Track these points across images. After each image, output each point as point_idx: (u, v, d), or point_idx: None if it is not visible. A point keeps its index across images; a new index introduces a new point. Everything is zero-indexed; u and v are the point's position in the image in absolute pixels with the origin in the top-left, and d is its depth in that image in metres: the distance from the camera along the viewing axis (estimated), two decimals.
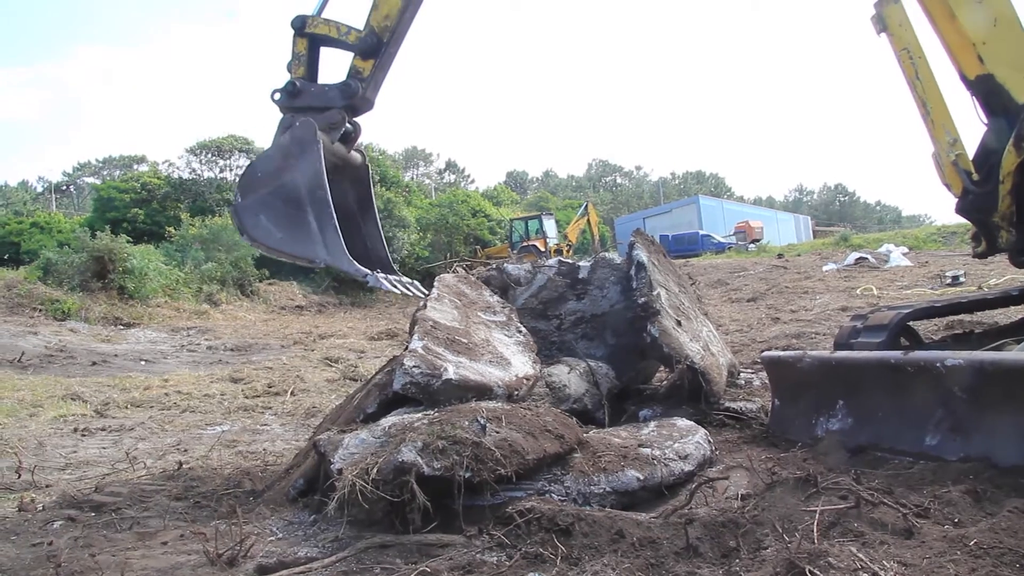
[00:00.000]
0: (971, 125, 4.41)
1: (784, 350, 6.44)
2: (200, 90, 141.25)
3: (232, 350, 14.54)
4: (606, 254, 6.29)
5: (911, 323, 4.70)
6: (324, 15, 4.79)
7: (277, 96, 4.71)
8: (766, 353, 5.08)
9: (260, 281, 24.46)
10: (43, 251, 21.15)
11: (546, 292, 5.94)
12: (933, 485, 3.12)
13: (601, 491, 3.43)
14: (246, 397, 8.81)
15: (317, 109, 4.67)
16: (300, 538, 3.29)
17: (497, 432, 3.30)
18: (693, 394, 4.98)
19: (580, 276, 5.95)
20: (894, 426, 3.75)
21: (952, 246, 26.21)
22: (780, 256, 28.57)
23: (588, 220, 37.30)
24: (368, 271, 4.58)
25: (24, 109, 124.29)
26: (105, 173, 57.28)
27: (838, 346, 4.63)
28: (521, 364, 4.51)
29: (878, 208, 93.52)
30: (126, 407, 8.30)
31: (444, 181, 73.07)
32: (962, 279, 14.55)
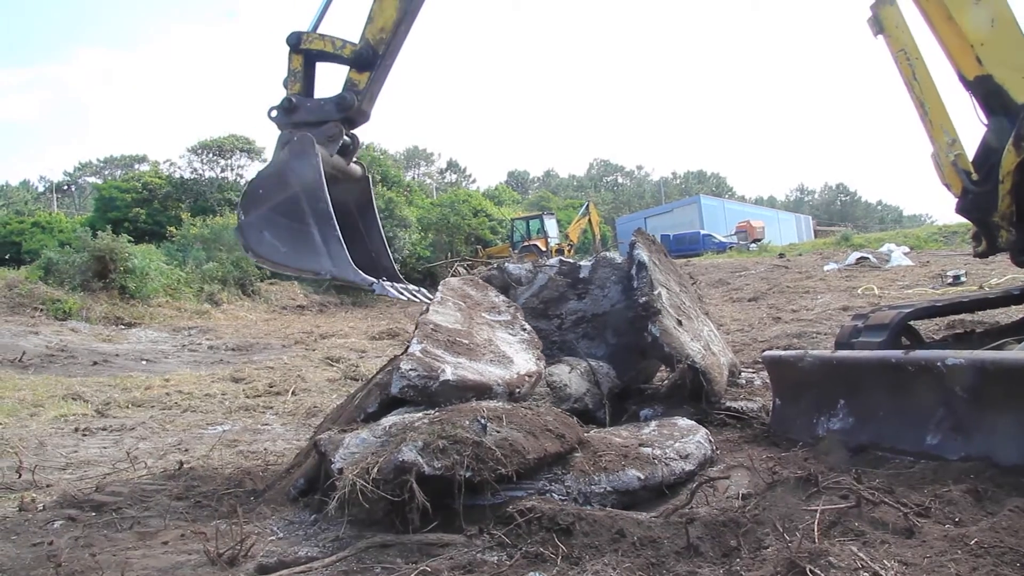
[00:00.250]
0: (970, 125, 4.41)
1: (785, 349, 6.43)
2: (201, 90, 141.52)
3: (233, 350, 14.55)
4: (607, 253, 6.28)
5: (912, 322, 4.70)
6: (319, 30, 4.82)
7: (274, 113, 4.77)
8: (767, 352, 5.08)
9: (261, 281, 24.47)
10: (44, 251, 21.17)
11: (547, 291, 5.94)
12: (934, 484, 3.12)
13: (602, 490, 3.43)
14: (247, 397, 8.82)
15: (314, 123, 4.71)
16: (301, 538, 3.30)
17: (498, 431, 3.30)
18: (694, 393, 4.97)
19: (581, 275, 5.95)
20: (895, 425, 3.75)
21: (953, 246, 26.19)
22: (781, 256, 28.55)
23: (589, 220, 37.33)
24: (374, 280, 4.61)
25: (25, 110, 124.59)
26: (106, 173, 57.38)
27: (839, 345, 4.63)
28: (524, 361, 4.52)
29: (879, 208, 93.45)
30: (127, 407, 8.31)
31: (445, 181, 73.12)
32: (963, 279, 14.54)
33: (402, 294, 4.79)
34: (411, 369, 3.89)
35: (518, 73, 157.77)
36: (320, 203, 4.45)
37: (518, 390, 4.15)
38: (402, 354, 4.30)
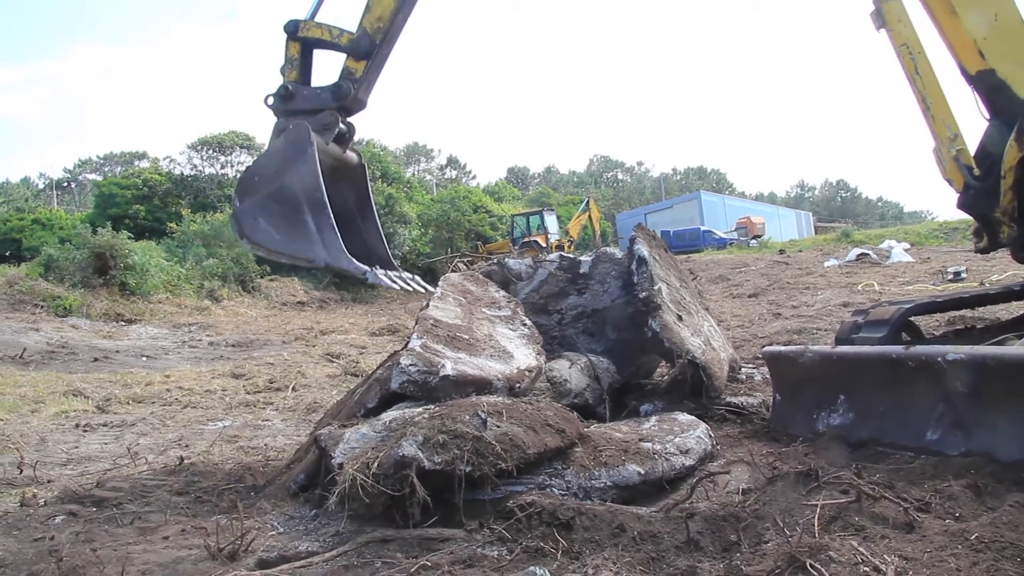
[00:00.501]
0: (972, 120, 4.40)
1: (785, 345, 6.43)
2: (201, 89, 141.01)
3: (233, 346, 14.55)
4: (607, 249, 6.28)
5: (912, 318, 4.71)
6: (317, 19, 4.82)
7: (271, 101, 4.77)
8: (767, 348, 5.07)
9: (261, 277, 24.45)
10: (44, 247, 21.10)
11: (547, 287, 5.94)
12: (934, 480, 3.12)
13: (602, 485, 3.43)
14: (247, 393, 8.83)
15: (310, 111, 4.70)
16: (301, 532, 3.30)
17: (498, 426, 3.31)
18: (694, 389, 4.98)
19: (581, 271, 5.95)
20: (895, 421, 3.75)
21: (954, 242, 26.18)
22: (782, 252, 28.53)
23: (589, 216, 37.31)
24: (367, 268, 4.59)
25: (24, 107, 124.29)
26: (106, 169, 57.24)
27: (839, 341, 4.64)
28: (524, 356, 4.52)
29: (880, 204, 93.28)
30: (127, 403, 8.31)
31: (445, 177, 72.96)
32: (964, 275, 14.52)
33: (395, 282, 4.78)
34: (411, 364, 3.90)
35: (518, 69, 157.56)
36: (315, 192, 4.44)
37: (518, 385, 4.16)
38: (402, 349, 4.30)
